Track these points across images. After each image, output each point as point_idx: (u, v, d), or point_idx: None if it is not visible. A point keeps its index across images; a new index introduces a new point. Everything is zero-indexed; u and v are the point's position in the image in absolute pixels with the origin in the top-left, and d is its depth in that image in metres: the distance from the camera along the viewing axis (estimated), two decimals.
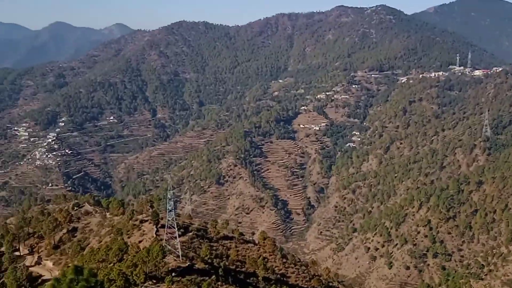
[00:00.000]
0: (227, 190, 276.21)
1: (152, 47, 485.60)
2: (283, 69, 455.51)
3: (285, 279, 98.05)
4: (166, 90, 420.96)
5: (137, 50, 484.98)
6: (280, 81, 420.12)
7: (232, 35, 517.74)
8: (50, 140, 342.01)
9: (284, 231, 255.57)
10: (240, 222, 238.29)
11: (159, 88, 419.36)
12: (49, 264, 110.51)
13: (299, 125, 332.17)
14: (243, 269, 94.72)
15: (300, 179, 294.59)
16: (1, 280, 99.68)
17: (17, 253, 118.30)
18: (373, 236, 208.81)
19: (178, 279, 79.07)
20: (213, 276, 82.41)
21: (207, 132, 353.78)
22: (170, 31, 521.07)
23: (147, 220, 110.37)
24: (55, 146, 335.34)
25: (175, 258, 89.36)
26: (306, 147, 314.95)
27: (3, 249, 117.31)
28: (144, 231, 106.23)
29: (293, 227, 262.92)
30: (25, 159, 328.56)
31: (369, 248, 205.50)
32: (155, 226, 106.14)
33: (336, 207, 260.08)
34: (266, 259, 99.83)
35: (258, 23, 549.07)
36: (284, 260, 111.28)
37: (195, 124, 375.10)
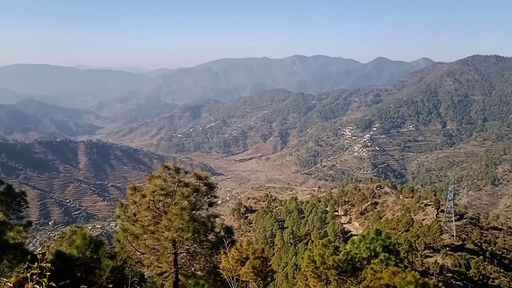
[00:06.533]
0: (500, 190, 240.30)
1: (448, 75, 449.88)
2: None
3: None
4: (456, 108, 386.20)
5: (436, 77, 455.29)
6: None
7: None
8: (365, 139, 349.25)
9: None
10: (509, 218, 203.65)
11: (450, 106, 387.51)
12: (356, 224, 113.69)
13: None
14: (508, 256, 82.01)
15: None
16: (325, 229, 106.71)
17: (336, 213, 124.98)
18: None
19: (451, 253, 73.13)
20: (481, 257, 73.68)
21: (487, 142, 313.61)
22: (465, 62, 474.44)
23: (430, 205, 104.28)
24: (368, 144, 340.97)
25: (450, 236, 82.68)
26: None
27: (327, 209, 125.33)
28: (427, 212, 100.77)
29: None
30: (347, 151, 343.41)
31: None
32: (436, 210, 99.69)
33: None
34: None
35: None
36: None
37: (477, 136, 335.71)
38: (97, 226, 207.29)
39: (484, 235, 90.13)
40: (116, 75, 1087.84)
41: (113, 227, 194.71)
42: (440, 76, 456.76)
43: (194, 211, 15.67)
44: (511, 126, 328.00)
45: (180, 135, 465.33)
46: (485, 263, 73.17)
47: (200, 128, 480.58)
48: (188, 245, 15.90)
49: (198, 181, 16.02)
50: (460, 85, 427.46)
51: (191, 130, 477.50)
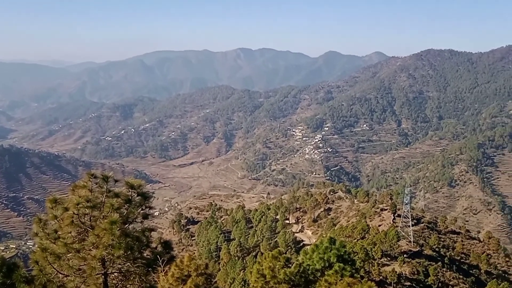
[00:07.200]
0: (457, 192, 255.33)
1: (402, 70, 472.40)
2: None
3: (506, 275, 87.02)
4: (411, 105, 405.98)
5: (390, 73, 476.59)
6: None
7: (474, 60, 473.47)
8: (317, 140, 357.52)
9: (508, 234, 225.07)
10: (467, 221, 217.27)
11: (405, 104, 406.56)
12: (309, 232, 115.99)
13: None
14: (467, 261, 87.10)
15: None
16: (275, 240, 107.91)
17: (287, 221, 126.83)
18: None
19: (409, 260, 76.43)
20: (439, 263, 77.70)
21: (443, 141, 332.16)
22: (419, 57, 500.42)
23: (386, 209, 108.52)
24: (320, 145, 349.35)
25: (407, 243, 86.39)
26: None
27: (278, 217, 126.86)
28: (383, 217, 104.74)
29: None
30: (298, 153, 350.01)
31: None
32: (392, 214, 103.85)
33: None
34: (489, 256, 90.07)
35: (500, 50, 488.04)
36: (507, 259, 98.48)
37: (433, 135, 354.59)
38: (11, 246, 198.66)
39: (442, 239, 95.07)
40: (32, 69, 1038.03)
41: (30, 246, 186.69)
42: (394, 71, 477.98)
43: (126, 225, 15.29)
44: (466, 124, 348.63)
45: (109, 138, 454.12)
46: (444, 269, 77.09)
47: (132, 129, 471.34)
48: (120, 264, 15.48)
49: (131, 190, 15.65)
50: (414, 81, 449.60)
51: (122, 132, 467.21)
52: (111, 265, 15.37)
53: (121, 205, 15.29)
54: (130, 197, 15.59)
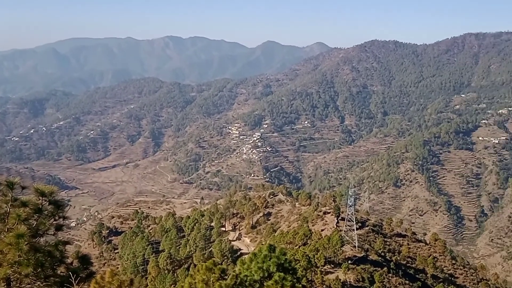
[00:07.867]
0: (403, 192, 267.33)
1: (345, 63, 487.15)
2: (466, 84, 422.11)
3: (453, 279, 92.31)
4: (355, 100, 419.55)
5: (332, 65, 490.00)
6: (463, 95, 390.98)
7: (419, 52, 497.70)
8: (255, 138, 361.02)
9: (455, 235, 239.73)
10: (413, 223, 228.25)
11: (348, 99, 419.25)
12: (247, 240, 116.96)
13: (478, 137, 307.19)
14: (413, 265, 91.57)
15: (475, 188, 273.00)
16: (210, 249, 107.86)
17: (223, 229, 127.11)
18: None
19: (353, 266, 78.94)
20: (385, 268, 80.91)
21: (388, 139, 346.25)
22: (363, 49, 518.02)
23: (329, 212, 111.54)
24: (259, 144, 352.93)
25: (351, 248, 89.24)
26: (484, 158, 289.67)
27: (213, 224, 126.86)
28: (326, 221, 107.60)
29: (464, 232, 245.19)
30: (234, 153, 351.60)
31: None
32: (336, 218, 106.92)
33: (510, 217, 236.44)
34: (436, 259, 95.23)
35: (445, 42, 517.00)
36: (453, 262, 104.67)
37: (378, 132, 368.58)
38: None
39: (387, 243, 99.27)
40: None
41: None
42: (336, 63, 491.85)
43: (36, 238, 14.81)
44: (412, 120, 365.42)
45: (17, 139, 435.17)
46: (390, 275, 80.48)
47: (44, 128, 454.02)
48: (28, 283, 14.95)
49: (41, 198, 15.17)
50: (358, 74, 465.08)
51: (32, 131, 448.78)
52: (17, 285, 14.83)
53: (29, 215, 14.80)
54: (41, 206, 15.13)
